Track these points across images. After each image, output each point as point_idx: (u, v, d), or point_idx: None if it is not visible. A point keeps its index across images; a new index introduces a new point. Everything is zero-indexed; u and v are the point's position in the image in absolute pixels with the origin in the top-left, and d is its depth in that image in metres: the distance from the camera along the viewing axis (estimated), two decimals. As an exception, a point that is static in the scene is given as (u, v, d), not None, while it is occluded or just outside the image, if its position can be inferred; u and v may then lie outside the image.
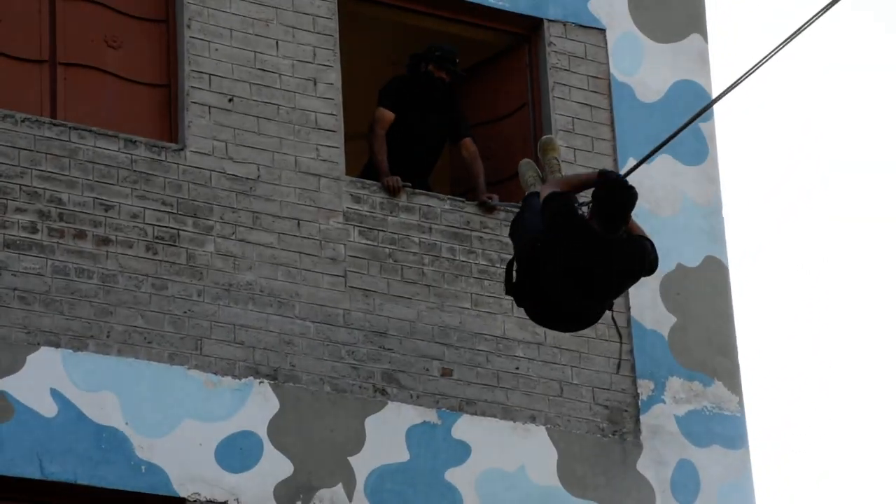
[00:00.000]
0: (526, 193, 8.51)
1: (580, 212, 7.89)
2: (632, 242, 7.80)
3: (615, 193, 7.74)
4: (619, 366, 8.56)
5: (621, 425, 9.14)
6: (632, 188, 7.80)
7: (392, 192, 9.13)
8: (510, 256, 9.21)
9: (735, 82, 7.34)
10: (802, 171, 17.57)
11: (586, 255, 7.67)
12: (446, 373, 8.91)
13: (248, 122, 8.90)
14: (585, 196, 8.07)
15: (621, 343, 8.08)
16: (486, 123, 9.89)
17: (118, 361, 8.25)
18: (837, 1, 6.72)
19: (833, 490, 16.58)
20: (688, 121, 8.05)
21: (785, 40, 7.15)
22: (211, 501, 8.21)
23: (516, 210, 9.33)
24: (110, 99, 8.69)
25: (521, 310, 9.12)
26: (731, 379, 9.39)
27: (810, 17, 6.94)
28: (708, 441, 9.24)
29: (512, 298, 8.06)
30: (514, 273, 7.91)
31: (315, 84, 9.08)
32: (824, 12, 6.85)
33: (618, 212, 7.72)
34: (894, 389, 17.11)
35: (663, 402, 9.23)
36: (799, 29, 7.04)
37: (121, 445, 8.11)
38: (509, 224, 9.28)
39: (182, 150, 8.73)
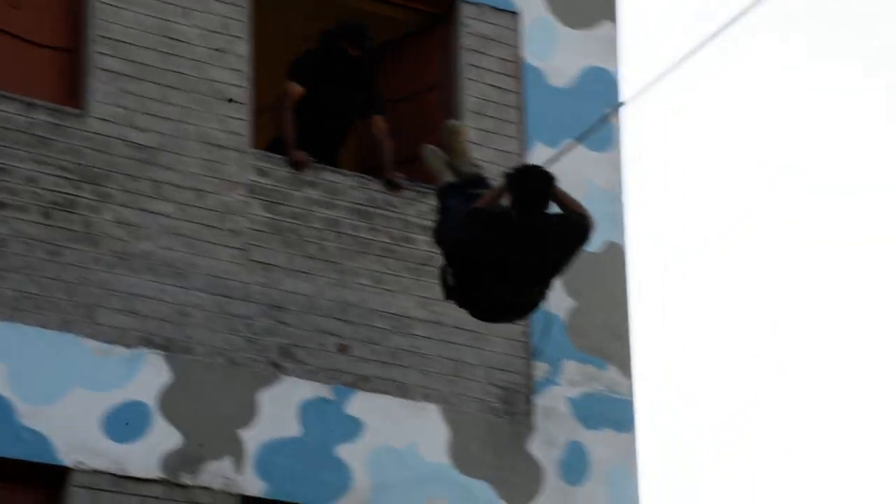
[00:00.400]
0: (439, 184, 8.54)
1: (499, 209, 7.94)
2: (558, 220, 7.85)
3: (526, 180, 7.81)
4: (537, 349, 8.55)
5: (514, 406, 9.22)
6: (541, 171, 7.86)
7: (298, 166, 9.15)
8: (414, 235, 9.29)
9: (661, 74, 7.33)
10: (703, 161, 17.74)
11: (515, 246, 7.75)
12: (343, 349, 8.96)
13: (154, 91, 8.89)
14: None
15: (546, 324, 8.09)
16: (397, 101, 9.90)
17: (8, 327, 8.24)
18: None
19: (715, 477, 16.79)
20: (601, 116, 8.03)
21: (705, 40, 7.13)
22: (96, 471, 8.23)
23: (422, 189, 9.38)
24: (9, 60, 8.65)
25: (422, 288, 9.20)
26: (624, 363, 9.48)
27: (728, 16, 6.91)
28: (599, 424, 9.33)
29: (453, 302, 8.12)
30: (449, 277, 7.97)
31: (224, 55, 9.07)
32: (744, 14, 6.82)
33: (532, 197, 7.80)
34: (781, 375, 17.33)
35: (557, 384, 9.31)
36: (717, 32, 7.02)
37: (4, 412, 8.11)
38: (413, 202, 9.33)
39: (84, 115, 8.71)
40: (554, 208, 8.14)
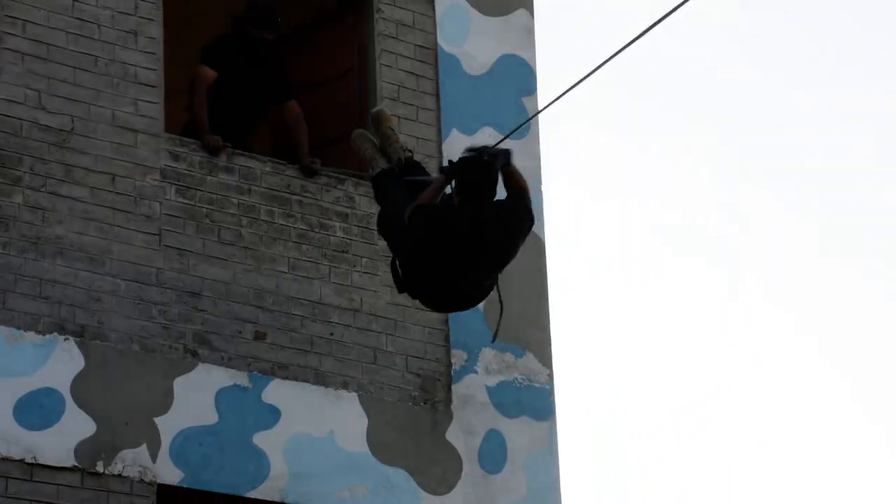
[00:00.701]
0: (370, 171, 8.35)
1: (441, 202, 7.78)
2: (504, 207, 7.72)
3: (470, 172, 7.65)
4: (495, 334, 8.38)
5: (433, 394, 9.14)
6: (484, 161, 7.69)
7: (212, 151, 9.01)
8: (330, 221, 9.18)
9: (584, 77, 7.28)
10: (622, 152, 17.80)
11: (463, 238, 7.58)
12: (260, 336, 8.82)
13: (64, 72, 8.70)
14: None
15: (502, 311, 7.97)
16: (311, 87, 9.80)
17: (-84, 312, 8.03)
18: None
19: (637, 464, 16.86)
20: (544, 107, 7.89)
21: (624, 45, 7.07)
22: (7, 459, 8.02)
23: (338, 175, 9.28)
24: (-85, 42, 8.43)
25: (339, 276, 9.09)
26: (543, 352, 9.44)
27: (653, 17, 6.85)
28: (517, 412, 9.28)
29: (406, 294, 7.89)
30: (399, 270, 7.77)
31: (136, 37, 8.91)
32: (666, 17, 6.76)
33: (478, 188, 7.65)
34: (700, 359, 17.46)
35: (476, 372, 9.25)
36: (641, 34, 6.95)
37: (-87, 398, 7.91)
38: (329, 188, 9.22)
39: (-7, 97, 8.51)
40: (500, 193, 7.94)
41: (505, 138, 8.32)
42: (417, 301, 7.94)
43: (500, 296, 7.92)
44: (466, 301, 7.87)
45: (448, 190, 7.81)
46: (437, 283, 7.70)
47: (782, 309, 17.68)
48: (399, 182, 8.12)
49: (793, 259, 17.88)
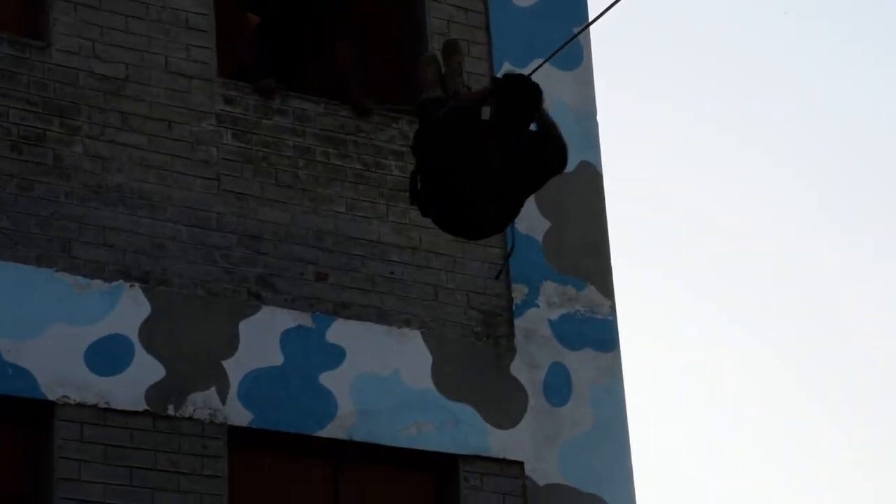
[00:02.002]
0: (423, 94, 8.16)
1: (482, 115, 7.66)
2: (544, 140, 7.64)
3: (517, 89, 7.55)
4: (500, 272, 8.31)
5: (495, 329, 9.15)
6: (533, 83, 7.61)
7: (266, 93, 9.01)
8: (385, 160, 9.17)
9: None
10: (677, 78, 17.69)
11: (492, 153, 7.48)
12: (321, 277, 8.84)
13: (116, 21, 8.70)
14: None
15: (511, 250, 7.87)
16: (361, 26, 9.77)
17: (-17, 263, 8.08)
18: None
19: (707, 391, 16.88)
20: None
21: None
22: (80, 405, 8.08)
23: (391, 114, 9.27)
24: (-30, -7, 8.45)
25: (397, 214, 9.10)
26: (604, 283, 9.42)
27: None
28: (580, 344, 9.28)
29: (416, 208, 7.79)
30: (419, 182, 7.66)
31: (186, -17, 8.90)
32: None
33: (520, 107, 7.54)
34: (764, 294, 17.42)
35: (537, 306, 9.25)
36: None
37: (-14, 348, 7.96)
38: (383, 127, 9.21)
39: (47, 47, 8.52)
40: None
41: (556, 51, 8.06)
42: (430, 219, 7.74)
43: (512, 234, 7.87)
44: (479, 228, 7.69)
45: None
46: (453, 200, 7.57)
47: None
48: (446, 107, 7.96)
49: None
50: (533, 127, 7.81)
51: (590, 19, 9.74)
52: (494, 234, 8.02)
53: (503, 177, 7.58)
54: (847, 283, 17.47)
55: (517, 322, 9.18)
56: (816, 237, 17.51)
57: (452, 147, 7.55)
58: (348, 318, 8.82)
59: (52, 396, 8.02)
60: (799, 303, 17.26)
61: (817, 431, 16.93)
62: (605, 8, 7.55)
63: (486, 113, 7.76)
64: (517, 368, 9.12)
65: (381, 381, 8.78)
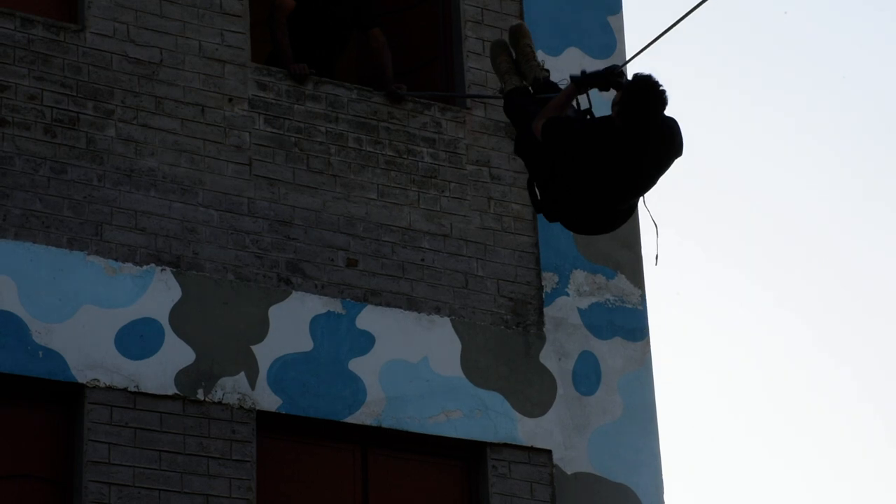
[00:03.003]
0: (502, 86, 7.84)
1: (587, 117, 7.31)
2: (663, 128, 7.18)
3: (647, 97, 7.06)
4: (657, 257, 7.96)
5: (525, 317, 9.15)
6: (662, 89, 7.11)
7: (299, 79, 9.02)
8: (417, 147, 9.17)
9: None
10: (710, 64, 17.63)
11: (609, 156, 7.10)
12: (351, 263, 8.86)
13: (151, 5, 8.73)
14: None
15: (657, 234, 7.53)
16: (394, 13, 9.77)
17: (15, 245, 8.11)
18: None
19: (735, 380, 16.84)
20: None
21: None
22: (110, 388, 8.12)
23: (424, 100, 9.26)
24: (7, -23, 8.48)
25: (428, 201, 9.10)
26: (634, 272, 9.41)
27: None
28: (610, 333, 9.28)
29: (541, 215, 7.49)
30: (536, 190, 7.33)
31: (220, -32, 8.91)
32: None
33: (650, 115, 7.07)
34: (791, 283, 17.36)
35: (567, 294, 9.25)
36: None
37: (18, 330, 7.99)
38: (416, 114, 9.21)
39: (82, 31, 8.55)
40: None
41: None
42: (559, 223, 7.44)
43: (651, 217, 7.40)
44: (608, 223, 7.38)
45: (576, 104, 7.35)
46: (579, 203, 7.25)
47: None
48: (533, 101, 7.61)
49: None
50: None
51: (623, 9, 9.72)
52: (622, 225, 7.50)
53: (622, 177, 7.19)
54: None
55: (547, 310, 9.18)
56: (859, 220, 17.42)
57: (568, 157, 7.17)
58: (378, 304, 8.83)
59: (82, 379, 8.06)
60: (834, 290, 17.21)
61: (855, 420, 16.88)
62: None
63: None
64: (546, 357, 9.12)
65: (410, 368, 8.80)
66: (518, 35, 7.90)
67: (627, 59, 8.72)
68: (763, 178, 17.42)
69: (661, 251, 7.59)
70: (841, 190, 17.51)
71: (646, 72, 7.11)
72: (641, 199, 7.40)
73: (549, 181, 7.34)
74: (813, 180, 17.72)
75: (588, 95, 7.42)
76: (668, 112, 7.21)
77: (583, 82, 7.31)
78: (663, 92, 7.11)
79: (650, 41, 7.50)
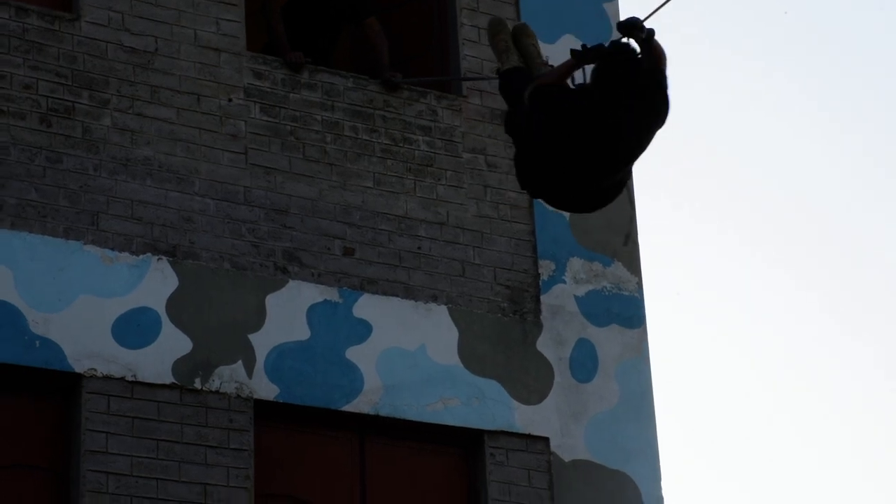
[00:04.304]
0: (500, 65, 7.75)
1: (573, 86, 7.22)
2: (644, 95, 7.10)
3: (600, 56, 7.07)
4: (627, 237, 7.80)
5: (522, 305, 9.15)
6: (624, 47, 7.08)
7: (294, 67, 9.01)
8: (413, 135, 9.17)
9: None
10: (704, 52, 17.63)
11: (593, 127, 7.02)
12: (348, 251, 8.86)
13: (146, -6, 8.72)
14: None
15: (634, 214, 7.38)
16: (389, 1, 9.76)
17: (11, 235, 8.10)
18: None
19: (732, 372, 16.86)
20: None
21: None
22: (108, 377, 8.12)
23: (420, 88, 9.26)
24: (1, -34, 8.46)
25: (424, 189, 9.10)
26: (631, 260, 9.41)
27: None
28: (607, 321, 9.28)
29: (527, 192, 7.43)
30: (521, 166, 7.24)
31: (215, -43, 8.90)
32: None
33: (620, 80, 7.02)
34: (791, 272, 17.37)
35: (564, 282, 9.25)
36: None
37: (15, 320, 7.98)
38: (412, 102, 9.20)
39: (77, 20, 8.54)
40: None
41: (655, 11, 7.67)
42: (542, 200, 7.42)
43: (629, 194, 7.22)
44: (593, 199, 7.30)
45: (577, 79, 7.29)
46: (561, 177, 7.18)
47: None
48: (529, 79, 7.44)
49: None
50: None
51: (619, -5, 9.71)
52: (608, 203, 7.40)
53: (611, 143, 7.06)
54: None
55: (544, 298, 9.18)
56: (861, 200, 17.43)
57: (547, 126, 7.13)
58: (375, 293, 8.83)
59: (79, 369, 8.06)
60: (833, 279, 17.22)
61: (851, 408, 16.90)
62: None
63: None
64: (543, 344, 9.12)
65: (408, 356, 8.80)
66: (523, 34, 7.85)
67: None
68: (762, 163, 17.42)
69: (634, 232, 7.51)
70: (840, 182, 17.52)
71: (625, 37, 7.06)
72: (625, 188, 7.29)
73: (533, 152, 7.23)
74: (813, 174, 17.73)
75: (584, 71, 7.33)
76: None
77: (583, 56, 7.21)
78: (635, 57, 6.98)
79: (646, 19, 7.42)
